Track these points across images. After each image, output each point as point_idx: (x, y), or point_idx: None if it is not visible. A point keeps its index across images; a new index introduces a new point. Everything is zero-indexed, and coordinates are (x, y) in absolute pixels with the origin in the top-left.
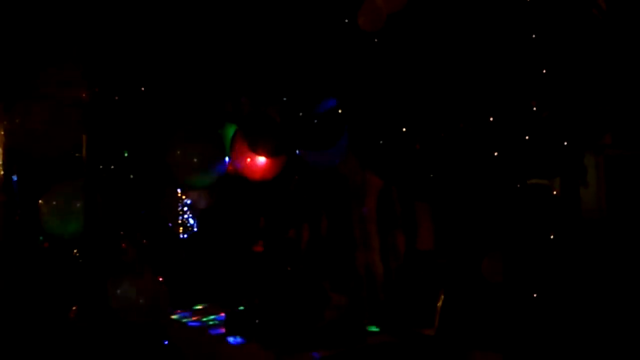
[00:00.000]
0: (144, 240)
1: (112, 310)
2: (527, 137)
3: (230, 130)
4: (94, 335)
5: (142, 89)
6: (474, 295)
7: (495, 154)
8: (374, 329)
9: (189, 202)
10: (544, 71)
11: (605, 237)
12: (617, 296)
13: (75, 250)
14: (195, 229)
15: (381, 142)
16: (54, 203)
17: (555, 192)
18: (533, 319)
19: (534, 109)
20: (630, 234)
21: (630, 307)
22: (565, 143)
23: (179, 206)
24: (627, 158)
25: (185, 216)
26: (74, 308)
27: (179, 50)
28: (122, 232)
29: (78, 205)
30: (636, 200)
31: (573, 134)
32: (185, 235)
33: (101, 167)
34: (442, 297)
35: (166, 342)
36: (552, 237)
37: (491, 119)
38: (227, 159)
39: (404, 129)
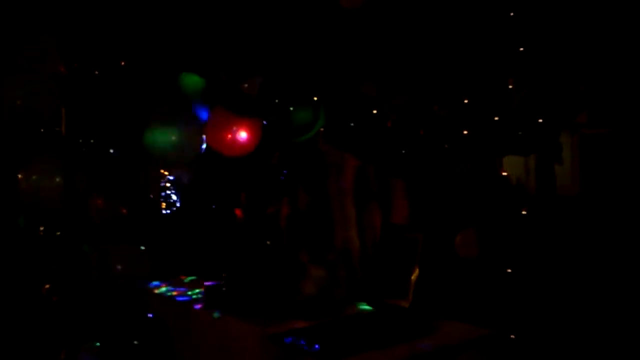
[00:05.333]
0: (124, 210)
1: (88, 284)
2: (496, 118)
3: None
4: (69, 310)
5: (122, 63)
6: (447, 269)
7: (465, 135)
8: (353, 301)
9: (172, 177)
10: (521, 49)
11: (580, 213)
12: (591, 270)
13: (42, 228)
14: (178, 204)
15: (353, 123)
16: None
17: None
18: (507, 293)
19: (510, 87)
20: (603, 210)
21: (604, 281)
22: (541, 121)
23: (161, 182)
24: (602, 137)
25: (168, 192)
26: (46, 286)
27: (159, 25)
28: (100, 202)
29: (57, 179)
30: (610, 177)
31: (549, 112)
32: (168, 211)
33: (80, 141)
34: (417, 271)
35: (151, 315)
36: (523, 214)
37: (465, 100)
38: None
39: (377, 109)
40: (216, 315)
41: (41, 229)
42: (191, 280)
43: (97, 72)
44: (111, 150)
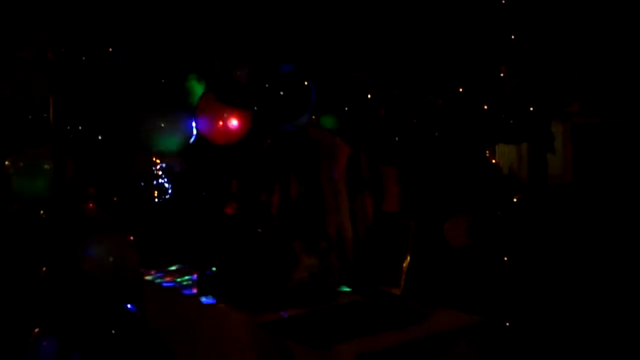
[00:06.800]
0: (114, 198)
1: (79, 272)
2: (486, 107)
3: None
4: (62, 296)
5: (110, 49)
6: (439, 257)
7: (457, 123)
8: (345, 289)
9: (164, 165)
10: (513, 37)
11: (571, 202)
12: (583, 258)
13: (42, 212)
14: (170, 192)
15: (347, 108)
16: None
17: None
18: (499, 280)
19: (502, 75)
20: (594, 199)
21: (596, 269)
22: (532, 109)
23: (153, 170)
24: (594, 126)
25: (161, 180)
26: (43, 269)
27: (148, 10)
28: (91, 191)
29: (46, 166)
30: (602, 167)
31: (540, 101)
32: (160, 199)
33: (69, 128)
34: (408, 258)
35: (131, 307)
36: (514, 201)
37: (460, 89)
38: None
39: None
40: (208, 303)
41: (34, 214)
42: (182, 268)
43: (84, 58)
44: (100, 137)
